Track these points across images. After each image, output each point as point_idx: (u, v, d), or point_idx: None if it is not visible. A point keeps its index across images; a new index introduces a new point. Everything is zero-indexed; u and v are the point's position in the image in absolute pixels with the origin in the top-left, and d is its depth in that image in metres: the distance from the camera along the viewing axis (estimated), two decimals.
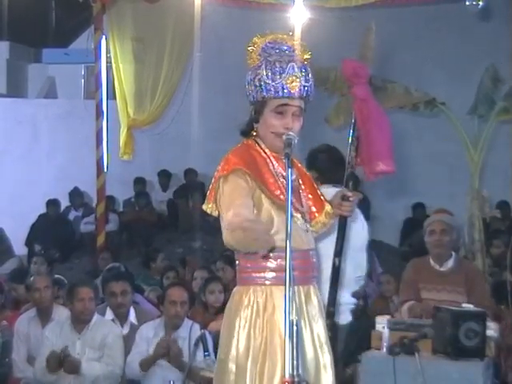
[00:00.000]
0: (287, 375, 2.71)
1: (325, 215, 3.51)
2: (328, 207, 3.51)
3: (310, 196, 3.50)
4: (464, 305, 5.03)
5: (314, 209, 3.49)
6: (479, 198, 8.03)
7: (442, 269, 5.68)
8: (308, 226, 3.41)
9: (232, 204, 3.17)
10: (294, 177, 3.23)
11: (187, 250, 11.09)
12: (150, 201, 12.40)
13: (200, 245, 11.07)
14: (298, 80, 3.28)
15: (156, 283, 8.51)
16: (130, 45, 10.72)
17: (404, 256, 9.86)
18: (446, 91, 9.92)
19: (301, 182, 3.48)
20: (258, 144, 3.39)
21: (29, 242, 11.85)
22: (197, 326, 5.73)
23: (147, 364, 5.71)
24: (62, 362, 5.67)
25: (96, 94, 10.50)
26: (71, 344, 5.77)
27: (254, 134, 3.41)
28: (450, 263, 5.68)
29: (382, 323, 4.83)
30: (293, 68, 3.29)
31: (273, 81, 3.28)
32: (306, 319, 3.31)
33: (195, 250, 10.97)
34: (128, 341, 5.96)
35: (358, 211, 4.71)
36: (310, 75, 3.33)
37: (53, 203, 12.19)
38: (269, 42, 3.35)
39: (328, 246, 4.39)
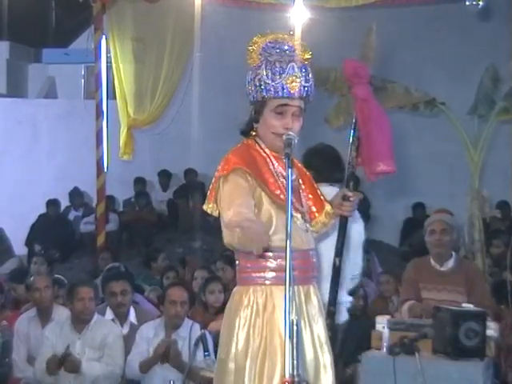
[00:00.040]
0: (287, 375, 2.72)
1: (325, 215, 3.51)
2: (328, 207, 3.51)
3: (310, 196, 3.49)
4: (464, 305, 5.03)
5: (314, 209, 3.49)
6: (479, 198, 8.03)
7: (442, 269, 5.68)
8: (308, 225, 3.41)
9: (232, 203, 3.17)
10: (294, 177, 3.23)
11: (187, 250, 11.10)
12: (150, 201, 12.40)
13: (200, 245, 11.07)
14: (297, 80, 3.28)
15: (157, 283, 8.51)
16: (130, 45, 10.72)
17: (404, 256, 9.86)
18: (446, 91, 9.92)
19: (301, 181, 3.48)
20: (258, 144, 3.39)
21: (29, 242, 11.85)
22: (197, 326, 5.73)
23: (147, 366, 5.71)
24: (63, 361, 5.68)
25: (96, 94, 10.51)
26: (71, 344, 5.77)
27: (254, 133, 3.41)
28: (451, 263, 5.69)
29: (381, 323, 4.83)
30: (293, 68, 3.29)
31: (273, 81, 3.28)
32: (306, 319, 3.31)
33: (195, 250, 10.97)
34: (128, 341, 5.96)
35: None
36: (310, 75, 3.33)
37: (53, 203, 12.19)
38: (269, 42, 3.34)
39: (328, 246, 4.39)
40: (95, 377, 5.75)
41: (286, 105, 3.29)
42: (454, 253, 5.79)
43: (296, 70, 3.29)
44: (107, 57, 10.62)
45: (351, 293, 5.04)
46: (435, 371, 4.58)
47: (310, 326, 3.32)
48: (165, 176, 12.84)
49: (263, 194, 3.28)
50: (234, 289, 3.40)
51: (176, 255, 10.68)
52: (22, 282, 7.30)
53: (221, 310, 5.79)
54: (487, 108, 7.96)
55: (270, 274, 3.28)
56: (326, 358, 3.35)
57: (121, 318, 6.30)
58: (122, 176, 12.20)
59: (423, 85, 8.98)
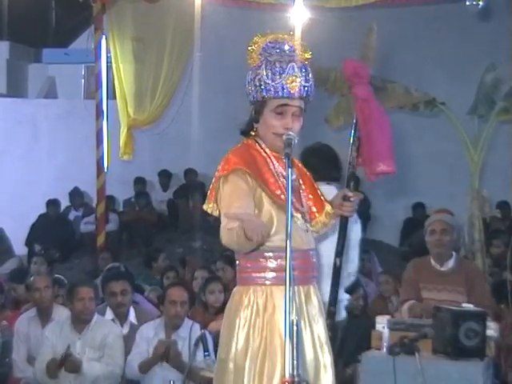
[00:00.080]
0: (287, 375, 2.72)
1: (325, 215, 3.50)
2: (328, 207, 3.51)
3: (310, 196, 3.49)
4: (464, 305, 5.03)
5: (314, 209, 3.49)
6: (479, 198, 8.02)
7: (442, 269, 5.68)
8: (308, 225, 3.41)
9: (231, 206, 3.18)
10: (294, 177, 3.24)
11: (187, 250, 11.10)
12: (150, 201, 12.41)
13: (200, 245, 11.07)
14: (297, 80, 3.28)
15: (158, 283, 8.51)
16: (130, 45, 10.71)
17: (404, 256, 9.86)
18: (446, 91, 9.93)
19: (301, 181, 3.48)
20: (259, 144, 3.39)
21: (29, 242, 11.85)
22: (197, 326, 5.73)
23: (146, 367, 5.71)
24: (64, 361, 5.68)
25: (96, 93, 10.50)
26: (71, 344, 5.77)
27: (254, 133, 3.41)
28: (451, 263, 5.69)
29: (382, 323, 4.83)
30: (293, 68, 3.29)
31: (272, 81, 3.28)
32: (306, 319, 3.31)
33: (195, 250, 10.97)
34: (128, 341, 5.96)
35: None
36: (310, 75, 3.33)
37: (53, 203, 12.19)
38: (269, 42, 3.34)
39: (328, 247, 4.39)
40: (95, 377, 5.75)
41: (285, 105, 3.29)
42: (454, 253, 5.79)
43: (296, 69, 3.29)
44: (107, 57, 10.62)
45: (348, 290, 5.04)
46: (435, 371, 4.58)
47: (310, 326, 3.32)
48: (165, 176, 12.84)
49: (263, 194, 3.28)
50: (234, 289, 3.40)
51: (176, 255, 10.67)
52: (22, 282, 7.30)
53: (221, 310, 5.79)
54: (487, 108, 7.96)
55: (270, 275, 3.28)
56: (326, 359, 3.35)
57: (121, 318, 6.30)
58: (122, 176, 12.20)
59: (423, 85, 8.98)
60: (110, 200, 11.76)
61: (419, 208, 11.66)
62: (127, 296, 6.32)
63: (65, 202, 12.58)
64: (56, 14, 15.68)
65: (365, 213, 10.74)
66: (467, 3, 8.60)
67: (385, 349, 4.73)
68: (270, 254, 3.26)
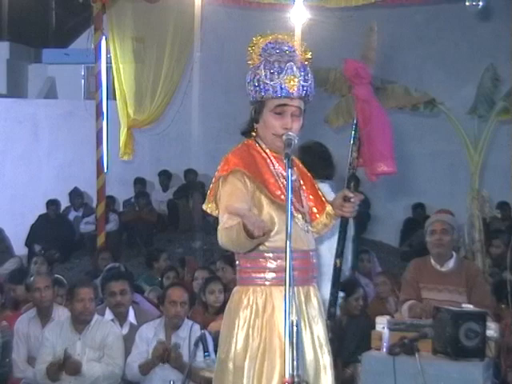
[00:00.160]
0: (287, 375, 2.71)
1: (326, 216, 3.50)
2: (329, 208, 3.50)
3: (311, 197, 3.49)
4: (464, 305, 5.03)
5: (315, 210, 3.49)
6: (479, 197, 8.03)
7: (442, 269, 5.68)
8: (308, 226, 3.41)
9: (228, 208, 3.18)
10: (294, 177, 3.23)
11: (187, 250, 11.10)
12: (150, 201, 12.40)
13: (200, 245, 11.07)
14: (296, 80, 3.27)
15: (159, 283, 8.51)
16: (130, 45, 10.70)
17: (404, 256, 9.87)
18: (446, 91, 9.93)
19: (302, 182, 3.48)
20: (259, 144, 3.39)
21: (29, 242, 11.85)
22: (197, 326, 5.72)
23: (146, 368, 5.71)
24: (63, 365, 5.67)
25: (96, 94, 10.49)
26: (71, 344, 5.77)
27: (254, 133, 3.41)
28: (451, 263, 5.68)
29: (382, 323, 4.83)
30: (291, 68, 3.28)
31: (271, 80, 3.27)
32: (306, 320, 3.31)
33: (195, 250, 10.97)
34: (127, 341, 5.96)
35: None
36: (309, 75, 3.32)
37: (53, 203, 12.18)
38: (269, 42, 3.34)
39: (328, 247, 4.40)
40: (95, 377, 5.75)
41: (285, 105, 3.29)
42: (454, 253, 5.79)
43: (295, 69, 3.28)
44: (107, 57, 10.61)
45: (342, 288, 5.04)
46: (435, 371, 4.58)
47: (310, 326, 3.32)
48: (165, 176, 12.84)
49: (262, 196, 3.28)
50: (234, 289, 3.39)
51: (176, 255, 10.67)
52: (22, 282, 7.29)
53: (221, 310, 5.79)
54: (487, 108, 7.97)
55: (270, 275, 3.27)
56: (326, 359, 3.35)
57: (120, 318, 6.29)
58: (122, 176, 12.20)
59: (423, 85, 8.99)
60: (110, 200, 11.75)
61: (419, 208, 11.66)
62: (126, 296, 6.31)
63: (65, 202, 12.57)
64: (56, 14, 15.69)
65: (365, 213, 10.76)
66: (467, 3, 8.60)
67: (385, 349, 4.73)
68: (270, 255, 3.26)
